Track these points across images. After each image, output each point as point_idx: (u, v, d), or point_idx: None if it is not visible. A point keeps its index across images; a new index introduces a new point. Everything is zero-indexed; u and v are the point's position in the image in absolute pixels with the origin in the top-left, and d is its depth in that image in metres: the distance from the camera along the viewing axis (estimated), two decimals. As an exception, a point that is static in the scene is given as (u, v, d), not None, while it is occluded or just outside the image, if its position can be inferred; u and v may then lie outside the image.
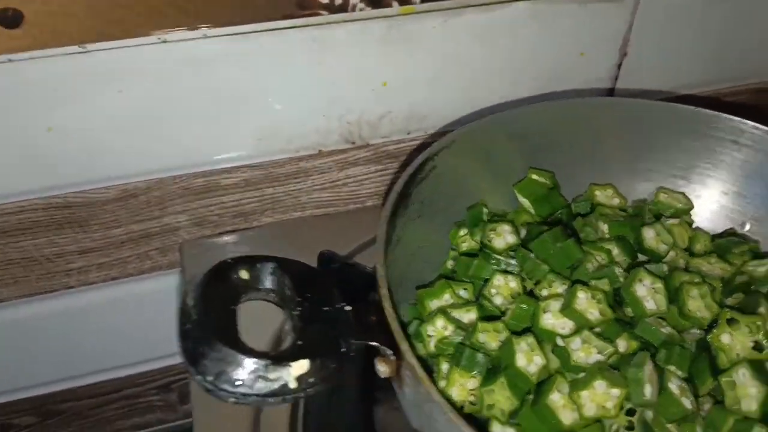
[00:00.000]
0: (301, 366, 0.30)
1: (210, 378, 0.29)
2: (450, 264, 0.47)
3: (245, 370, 0.29)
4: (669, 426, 0.36)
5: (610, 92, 0.63)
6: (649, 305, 0.40)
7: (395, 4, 0.51)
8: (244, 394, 0.29)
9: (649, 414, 0.37)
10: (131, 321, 0.63)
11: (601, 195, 0.50)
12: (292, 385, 0.30)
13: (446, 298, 0.43)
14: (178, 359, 0.67)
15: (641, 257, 0.45)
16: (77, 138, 0.50)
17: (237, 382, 0.29)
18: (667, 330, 0.39)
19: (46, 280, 0.57)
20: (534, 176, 0.49)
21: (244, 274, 0.34)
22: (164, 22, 0.46)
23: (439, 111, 0.59)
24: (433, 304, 0.43)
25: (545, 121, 0.50)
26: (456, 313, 0.42)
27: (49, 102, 0.47)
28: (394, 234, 0.42)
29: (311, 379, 0.30)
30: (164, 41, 0.47)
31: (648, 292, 0.40)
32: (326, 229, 0.60)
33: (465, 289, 0.44)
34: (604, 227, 0.46)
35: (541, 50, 0.58)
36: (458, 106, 0.59)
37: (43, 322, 0.60)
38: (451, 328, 0.41)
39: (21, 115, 0.47)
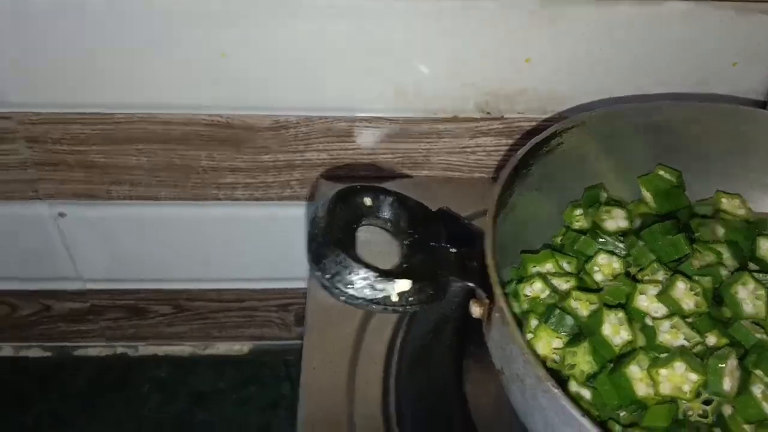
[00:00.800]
0: (403, 284, 0.34)
1: (328, 276, 0.34)
2: (559, 239, 0.49)
3: (357, 276, 0.34)
4: (745, 426, 0.37)
5: (762, 106, 0.61)
6: (748, 309, 0.40)
7: (553, -16, 0.53)
8: (353, 296, 0.34)
9: (728, 410, 0.38)
10: (264, 240, 0.71)
11: (727, 203, 0.50)
12: (394, 298, 0.34)
13: (548, 267, 0.46)
14: (298, 284, 0.75)
15: (752, 266, 0.45)
16: (244, 66, 0.56)
17: (349, 285, 0.34)
18: (761, 335, 0.39)
19: (199, 189, 0.65)
20: (661, 172, 0.50)
21: (367, 201, 0.38)
22: (338, -26, 0.52)
23: (579, 96, 0.60)
24: (535, 270, 0.45)
25: (683, 120, 0.50)
26: (555, 281, 0.44)
27: (227, 30, 0.54)
28: (509, 199, 0.44)
29: (411, 298, 0.35)
30: (333, -9, 0.52)
31: (749, 296, 0.40)
32: (449, 190, 0.64)
33: (569, 262, 0.46)
34: (720, 231, 0.46)
35: (692, 52, 0.57)
36: (599, 93, 0.60)
37: (190, 226, 0.68)
38: (547, 291, 0.43)
39: (200, 38, 0.54)
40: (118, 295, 0.75)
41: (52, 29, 0.53)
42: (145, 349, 0.81)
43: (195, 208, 0.67)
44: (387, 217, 0.39)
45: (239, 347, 0.82)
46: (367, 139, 0.63)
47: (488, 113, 0.61)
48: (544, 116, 0.62)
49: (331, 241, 0.35)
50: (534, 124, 0.62)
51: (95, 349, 0.81)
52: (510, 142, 0.64)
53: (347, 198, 0.38)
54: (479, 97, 0.60)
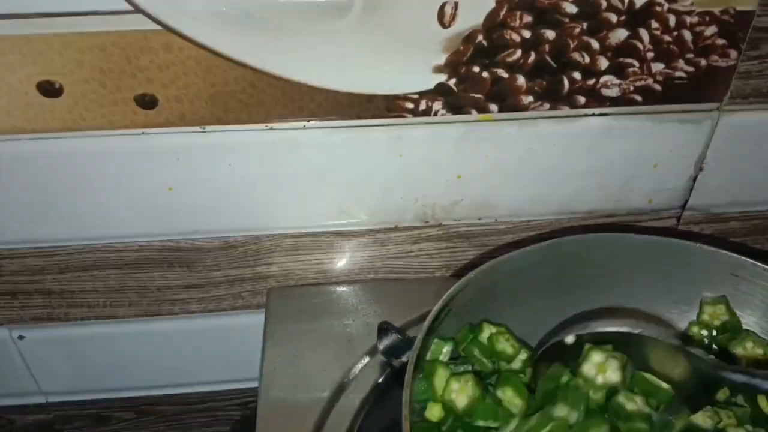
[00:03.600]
0: None
1: None
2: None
3: None
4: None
5: (684, 204, 0.65)
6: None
7: (474, 112, 0.57)
8: None
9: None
10: (220, 346, 0.73)
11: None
12: None
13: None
14: (255, 383, 0.77)
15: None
16: (191, 197, 0.59)
17: None
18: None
19: (155, 305, 0.68)
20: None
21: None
22: (271, 115, 0.55)
23: (509, 203, 0.63)
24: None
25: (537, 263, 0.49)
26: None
27: (172, 168, 0.57)
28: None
29: None
30: (271, 128, 0.56)
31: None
32: (395, 294, 0.67)
33: None
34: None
35: (613, 160, 0.61)
36: (528, 200, 0.63)
37: (148, 339, 0.71)
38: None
39: (148, 176, 0.58)
40: (81, 406, 0.76)
41: (5, 174, 0.56)
42: (112, 451, 0.83)
43: (152, 323, 0.69)
44: None
45: (203, 444, 0.84)
46: (313, 252, 0.65)
47: (427, 222, 0.65)
48: (480, 221, 0.65)
49: None
50: (471, 228, 0.65)
51: (62, 455, 0.82)
52: (450, 245, 0.67)
53: None
54: (417, 209, 0.63)
